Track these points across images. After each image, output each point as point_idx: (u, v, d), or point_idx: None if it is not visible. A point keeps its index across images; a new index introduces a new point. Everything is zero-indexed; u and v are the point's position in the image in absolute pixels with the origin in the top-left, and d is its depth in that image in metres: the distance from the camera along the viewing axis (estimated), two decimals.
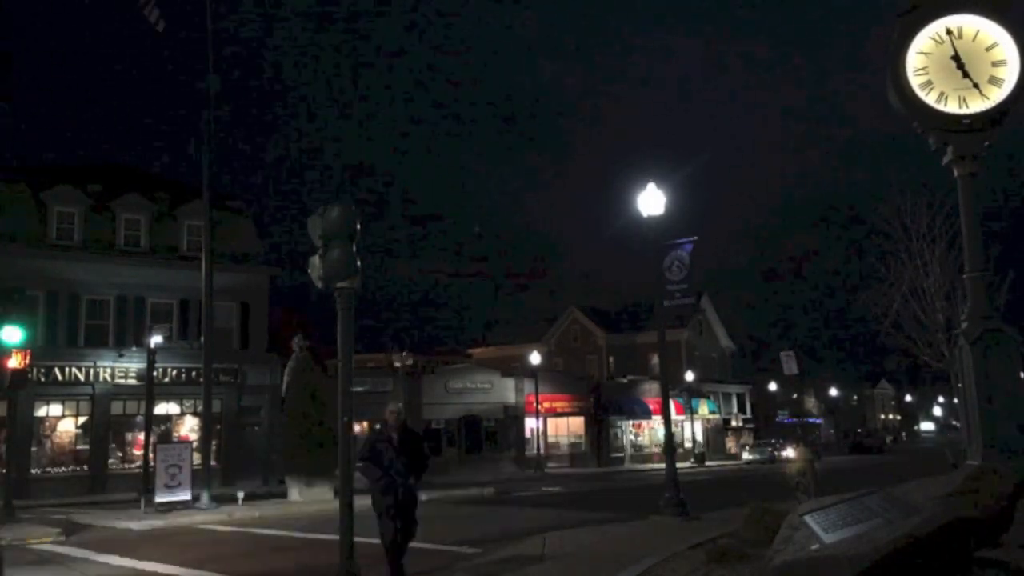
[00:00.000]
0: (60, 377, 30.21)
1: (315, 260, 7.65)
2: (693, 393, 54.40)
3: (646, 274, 15.97)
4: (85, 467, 30.34)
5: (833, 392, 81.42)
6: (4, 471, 19.68)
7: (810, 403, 76.39)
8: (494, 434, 44.41)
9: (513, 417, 45.17)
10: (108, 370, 31.05)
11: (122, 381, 31.18)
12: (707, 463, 51.64)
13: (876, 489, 6.25)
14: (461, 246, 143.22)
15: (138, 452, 29.43)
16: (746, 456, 55.27)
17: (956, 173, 7.36)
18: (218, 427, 31.55)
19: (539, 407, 43.44)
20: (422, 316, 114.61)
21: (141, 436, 27.75)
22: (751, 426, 65.46)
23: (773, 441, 56.46)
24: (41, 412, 30.26)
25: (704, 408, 58.58)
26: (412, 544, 8.82)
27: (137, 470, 26.41)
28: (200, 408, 25.79)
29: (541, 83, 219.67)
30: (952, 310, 19.92)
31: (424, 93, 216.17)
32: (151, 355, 24.39)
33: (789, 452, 48.79)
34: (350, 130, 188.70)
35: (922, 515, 5.38)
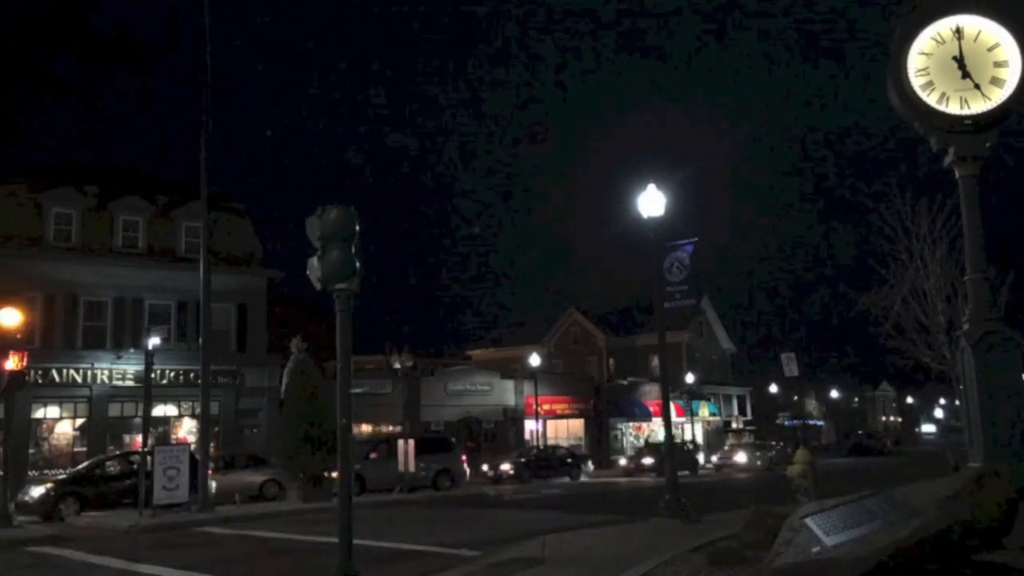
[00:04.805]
0: (58, 379, 30.17)
1: (314, 261, 7.66)
2: (693, 395, 54.28)
3: (646, 275, 15.94)
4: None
5: (834, 394, 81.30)
6: (2, 473, 19.60)
7: (811, 405, 76.28)
8: (494, 436, 44.35)
9: (513, 419, 45.12)
10: (106, 372, 31.00)
11: (120, 383, 31.13)
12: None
13: (877, 491, 6.22)
14: (461, 246, 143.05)
15: None
16: None
17: (958, 174, 7.32)
18: (216, 429, 31.50)
19: (539, 409, 43.37)
20: (422, 317, 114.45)
21: (139, 438, 27.65)
22: (752, 428, 65.39)
23: (773, 443, 56.37)
24: (39, 414, 30.21)
25: (704, 410, 58.52)
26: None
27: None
28: (198, 410, 25.74)
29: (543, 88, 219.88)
30: (954, 312, 19.86)
31: (420, 93, 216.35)
32: (149, 357, 24.34)
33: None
34: (351, 131, 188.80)
35: (923, 518, 5.35)
